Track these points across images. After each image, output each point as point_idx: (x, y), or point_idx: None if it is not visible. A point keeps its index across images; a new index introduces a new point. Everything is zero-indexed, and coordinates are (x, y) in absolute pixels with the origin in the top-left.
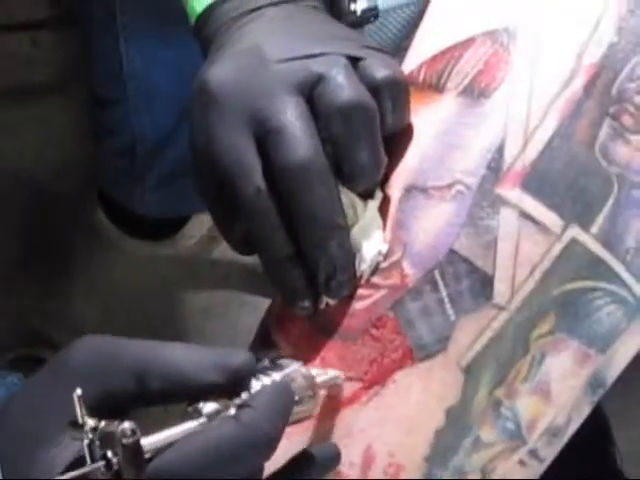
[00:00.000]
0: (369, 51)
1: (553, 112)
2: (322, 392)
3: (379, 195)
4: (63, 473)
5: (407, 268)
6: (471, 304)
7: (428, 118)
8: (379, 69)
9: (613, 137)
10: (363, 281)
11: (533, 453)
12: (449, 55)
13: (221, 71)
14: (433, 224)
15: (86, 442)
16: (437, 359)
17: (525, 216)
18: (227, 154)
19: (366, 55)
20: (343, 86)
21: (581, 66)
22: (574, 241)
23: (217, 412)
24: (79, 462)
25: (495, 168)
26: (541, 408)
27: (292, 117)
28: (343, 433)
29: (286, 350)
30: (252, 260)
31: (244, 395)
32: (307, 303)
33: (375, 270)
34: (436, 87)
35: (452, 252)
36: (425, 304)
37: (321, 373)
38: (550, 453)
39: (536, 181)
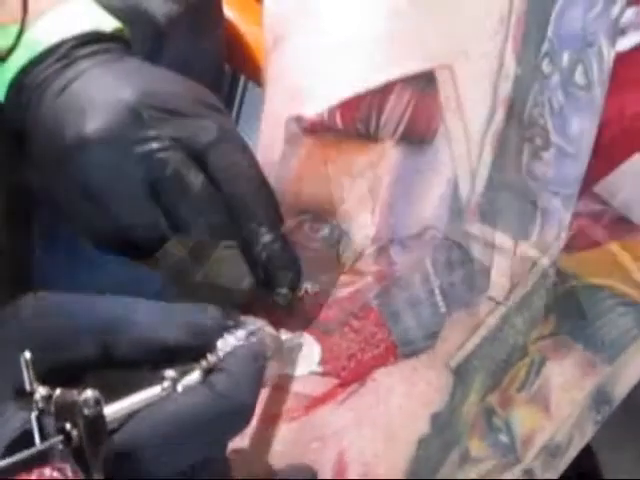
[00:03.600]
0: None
1: (487, 147)
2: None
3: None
4: (9, 451)
5: (395, 255)
6: (464, 297)
7: (372, 169)
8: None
9: (532, 158)
10: (346, 268)
11: (528, 473)
12: (368, 101)
13: (98, 126)
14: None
15: (34, 414)
16: (423, 357)
17: (488, 244)
18: (123, 205)
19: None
20: (227, 155)
21: (498, 100)
22: (522, 254)
23: (182, 375)
24: (25, 437)
25: (456, 208)
26: (539, 421)
27: (183, 170)
28: (315, 435)
29: None
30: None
31: (210, 357)
32: (285, 290)
33: (359, 256)
34: (366, 136)
35: (445, 239)
36: (413, 295)
37: (283, 333)
38: (547, 476)
39: (488, 211)
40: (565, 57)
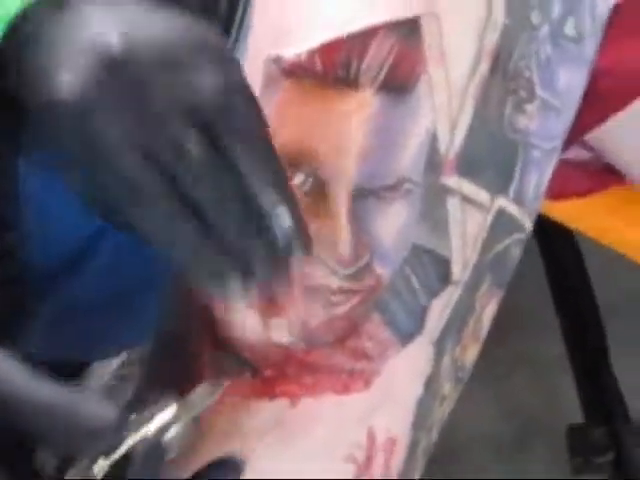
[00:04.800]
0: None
1: (469, 97)
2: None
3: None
4: None
5: (378, 268)
6: (437, 287)
7: (351, 117)
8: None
9: (515, 110)
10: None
11: None
12: (349, 45)
13: (74, 87)
14: (391, 224)
15: None
16: (416, 341)
17: (466, 199)
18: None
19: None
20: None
21: (484, 51)
22: (500, 209)
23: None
24: None
25: (434, 160)
26: (476, 349)
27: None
28: (348, 416)
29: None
30: None
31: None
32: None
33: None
34: (345, 81)
35: (415, 246)
36: (401, 298)
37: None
38: None
39: (467, 164)
40: (556, 8)
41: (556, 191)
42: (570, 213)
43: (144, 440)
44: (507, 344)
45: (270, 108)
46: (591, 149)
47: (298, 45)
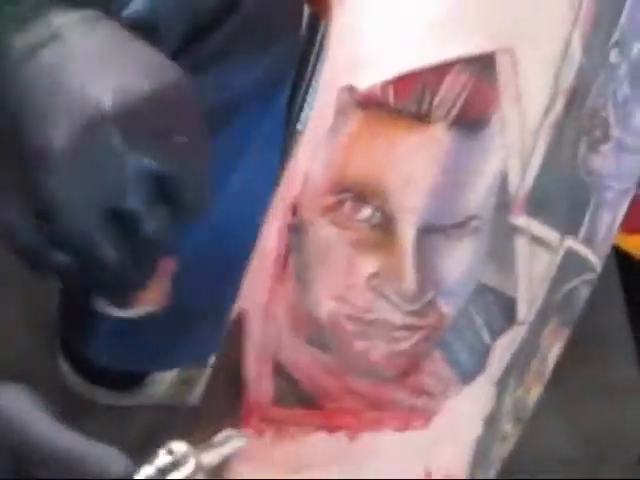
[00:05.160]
0: None
1: (542, 137)
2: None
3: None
4: None
5: (442, 306)
6: (501, 327)
7: (422, 151)
8: None
9: (589, 150)
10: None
11: None
12: (423, 79)
13: (63, 141)
14: (457, 261)
15: None
16: (478, 380)
17: (534, 239)
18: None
19: None
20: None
21: (559, 90)
22: (569, 250)
23: None
24: None
25: (503, 199)
26: (540, 389)
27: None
28: (406, 453)
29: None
30: None
31: None
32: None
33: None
34: (418, 115)
35: (481, 286)
36: (464, 336)
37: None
38: None
39: (536, 204)
40: (636, 46)
41: (632, 224)
42: None
43: None
44: (580, 367)
45: (341, 139)
46: None
47: (372, 76)
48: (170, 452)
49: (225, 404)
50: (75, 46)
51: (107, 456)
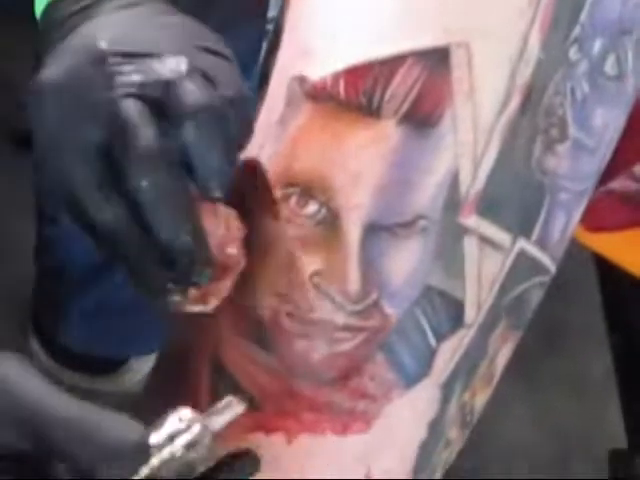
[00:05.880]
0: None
1: (496, 135)
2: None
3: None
4: None
5: (387, 308)
6: (448, 330)
7: (371, 147)
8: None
9: (545, 150)
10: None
11: None
12: (375, 72)
13: (55, 72)
14: (404, 262)
15: None
16: (422, 383)
17: (484, 240)
18: (67, 161)
19: (209, 68)
20: (191, 91)
21: (515, 87)
22: (520, 252)
23: None
24: None
25: (453, 199)
26: (487, 393)
27: (135, 119)
28: (346, 456)
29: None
30: None
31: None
32: (177, 297)
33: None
34: (368, 110)
35: (428, 287)
36: (409, 339)
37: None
38: None
39: (488, 204)
40: (597, 45)
41: (595, 222)
42: (609, 246)
43: (172, 461)
44: (551, 360)
45: (289, 131)
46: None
47: (323, 67)
48: (179, 419)
49: (169, 394)
50: (103, 17)
51: (122, 423)
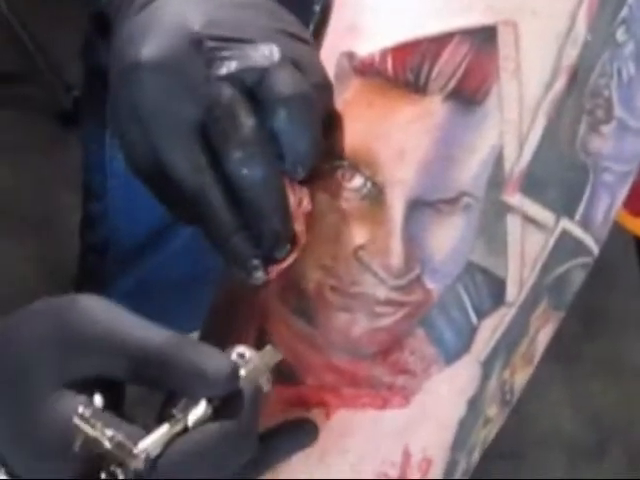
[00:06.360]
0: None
1: (541, 114)
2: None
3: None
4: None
5: (429, 283)
6: (489, 307)
7: (416, 123)
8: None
9: (589, 131)
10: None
11: None
12: (422, 49)
13: (154, 51)
14: (446, 238)
15: None
16: (462, 360)
17: (527, 218)
18: (166, 138)
19: (297, 55)
20: (284, 80)
21: (561, 67)
22: (563, 231)
23: (187, 410)
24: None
25: (497, 176)
26: (528, 373)
27: (231, 104)
28: (384, 432)
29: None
30: None
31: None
32: (260, 273)
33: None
34: (415, 86)
35: (470, 264)
36: (450, 315)
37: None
38: None
39: (532, 183)
40: None
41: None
42: None
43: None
44: (591, 346)
45: (338, 105)
46: None
47: (371, 43)
48: (241, 355)
49: None
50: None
51: (215, 353)
